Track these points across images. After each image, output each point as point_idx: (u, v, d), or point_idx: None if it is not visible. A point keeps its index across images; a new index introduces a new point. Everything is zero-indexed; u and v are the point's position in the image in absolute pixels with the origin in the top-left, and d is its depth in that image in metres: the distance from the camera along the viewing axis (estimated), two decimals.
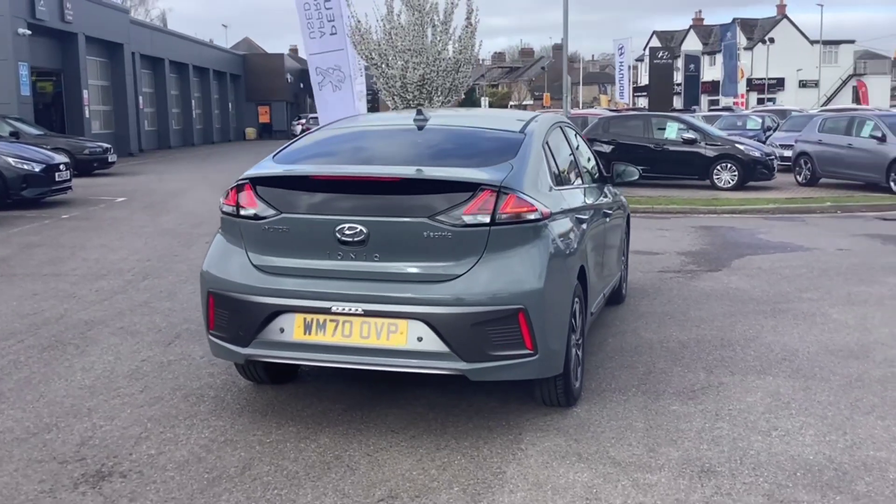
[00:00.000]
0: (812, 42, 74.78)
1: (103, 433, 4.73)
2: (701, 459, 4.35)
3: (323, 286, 4.55)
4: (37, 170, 15.40)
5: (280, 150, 5.37)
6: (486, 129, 5.55)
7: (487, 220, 4.46)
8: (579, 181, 6.14)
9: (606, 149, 19.51)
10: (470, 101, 49.00)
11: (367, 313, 4.47)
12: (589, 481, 4.11)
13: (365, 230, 4.48)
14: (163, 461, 4.36)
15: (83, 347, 6.43)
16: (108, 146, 24.25)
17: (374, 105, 46.48)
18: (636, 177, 7.14)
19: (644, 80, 70.09)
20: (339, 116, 17.74)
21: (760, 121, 29.37)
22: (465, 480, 4.13)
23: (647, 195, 17.12)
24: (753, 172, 19.49)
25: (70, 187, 16.58)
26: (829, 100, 70.81)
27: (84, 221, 14.00)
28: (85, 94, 32.42)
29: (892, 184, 18.00)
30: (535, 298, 4.46)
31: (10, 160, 15.18)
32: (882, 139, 18.40)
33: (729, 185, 19.33)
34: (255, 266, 4.73)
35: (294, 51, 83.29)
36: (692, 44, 75.73)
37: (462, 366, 4.43)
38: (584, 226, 5.48)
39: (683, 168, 19.96)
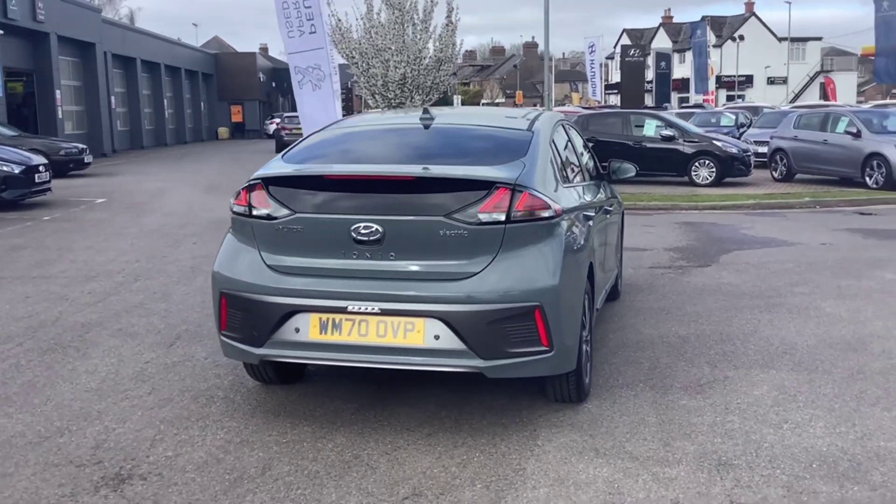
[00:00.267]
0: (780, 39, 75.58)
1: (117, 436, 4.70)
2: (717, 453, 4.40)
3: (338, 285, 4.56)
4: (16, 171, 15.24)
5: (288, 150, 5.36)
6: (494, 128, 5.57)
7: (503, 218, 4.48)
8: (580, 178, 6.18)
9: None
10: (443, 100, 49.10)
11: (383, 312, 4.48)
12: (609, 476, 4.15)
13: (380, 229, 4.49)
14: (181, 463, 4.35)
15: (84, 350, 6.38)
16: (84, 147, 24.02)
17: (348, 103, 46.38)
18: (632, 174, 7.19)
19: (615, 77, 70.49)
20: (320, 115, 17.74)
21: (734, 117, 29.62)
22: (486, 477, 4.16)
23: (628, 192, 17.18)
24: (731, 169, 19.68)
25: (49, 189, 16.42)
26: (796, 96, 71.60)
27: (66, 223, 13.87)
28: (58, 94, 32.08)
29: (867, 178, 18.25)
30: (551, 295, 4.50)
31: None
32: (857, 135, 18.65)
33: (707, 182, 19.50)
34: (268, 266, 4.72)
35: (264, 49, 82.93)
36: (662, 42, 76.23)
37: (479, 363, 4.45)
38: (591, 223, 5.53)
39: (662, 165, 20.09)
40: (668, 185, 19.42)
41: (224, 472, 4.24)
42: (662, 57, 53.64)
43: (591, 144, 7.85)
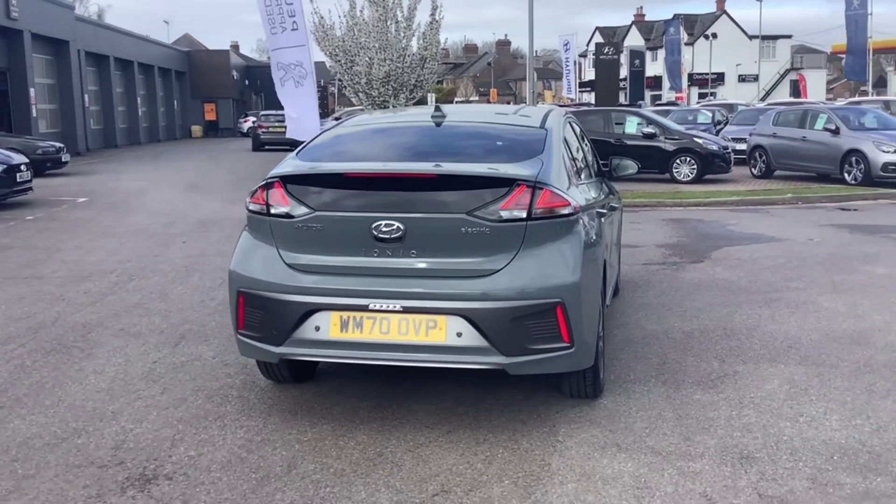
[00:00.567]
0: (751, 37, 76.17)
1: (135, 436, 4.67)
2: (738, 446, 4.45)
3: (360, 283, 4.55)
4: None
5: (302, 148, 5.34)
6: (507, 125, 5.59)
7: (524, 215, 4.50)
8: (587, 175, 6.20)
9: None
10: (419, 99, 48.98)
11: (405, 310, 4.47)
12: (634, 471, 4.18)
13: (402, 227, 4.49)
14: (205, 462, 4.33)
15: (88, 350, 6.33)
16: (61, 146, 23.75)
17: (324, 101, 46.20)
18: (633, 171, 7.23)
19: (588, 75, 70.71)
20: (303, 113, 17.65)
21: (711, 115, 29.85)
22: (513, 473, 4.18)
23: None
24: (711, 165, 19.86)
25: (31, 188, 16.22)
26: (767, 94, 72.25)
27: (51, 223, 13.72)
28: (32, 92, 31.70)
29: (845, 175, 18.49)
30: (572, 292, 4.52)
31: None
32: (836, 132, 18.88)
33: (688, 179, 19.66)
34: (287, 264, 4.70)
35: (235, 47, 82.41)
36: (634, 40, 76.57)
37: (502, 360, 4.46)
38: (602, 220, 5.56)
39: (643, 162, 19.83)
40: (650, 182, 19.53)
41: (249, 470, 4.23)
42: (636, 55, 53.85)
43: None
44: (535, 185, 4.55)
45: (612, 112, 21.82)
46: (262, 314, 4.73)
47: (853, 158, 18.32)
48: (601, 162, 7.21)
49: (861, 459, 4.28)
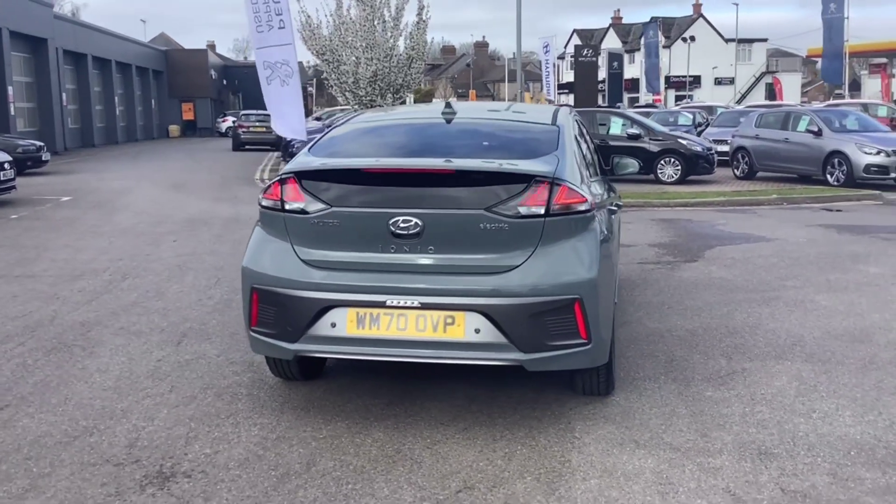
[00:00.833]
0: (727, 40, 76.74)
1: (148, 434, 4.62)
2: (755, 442, 4.46)
3: (377, 279, 4.52)
4: None
5: (314, 144, 5.30)
6: (519, 122, 5.59)
7: (542, 211, 4.49)
8: (594, 173, 6.21)
9: None
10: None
11: (423, 306, 4.45)
12: (655, 467, 4.19)
13: (420, 223, 4.46)
14: (222, 460, 4.28)
15: (90, 349, 6.25)
16: (42, 144, 23.52)
17: (305, 100, 45.98)
18: (634, 170, 7.24)
19: (566, 77, 70.96)
20: (289, 112, 17.59)
21: (692, 117, 30.06)
22: (534, 469, 4.17)
23: None
24: (695, 166, 19.98)
25: (14, 186, 16.04)
26: (743, 96, 72.84)
27: (36, 222, 13.57)
28: (10, 90, 31.36)
29: (828, 176, 18.66)
30: (590, 288, 4.51)
31: None
32: (818, 133, 19.05)
33: (672, 179, 19.77)
34: (302, 260, 4.66)
35: (212, 46, 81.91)
36: (612, 42, 76.89)
37: (520, 356, 4.45)
38: (613, 217, 5.57)
39: None
40: (634, 182, 19.58)
41: (268, 468, 4.19)
42: (615, 57, 54.05)
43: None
44: (553, 182, 4.55)
45: (597, 113, 21.92)
46: (276, 310, 4.69)
47: (836, 160, 18.49)
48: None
49: (878, 455, 4.30)
